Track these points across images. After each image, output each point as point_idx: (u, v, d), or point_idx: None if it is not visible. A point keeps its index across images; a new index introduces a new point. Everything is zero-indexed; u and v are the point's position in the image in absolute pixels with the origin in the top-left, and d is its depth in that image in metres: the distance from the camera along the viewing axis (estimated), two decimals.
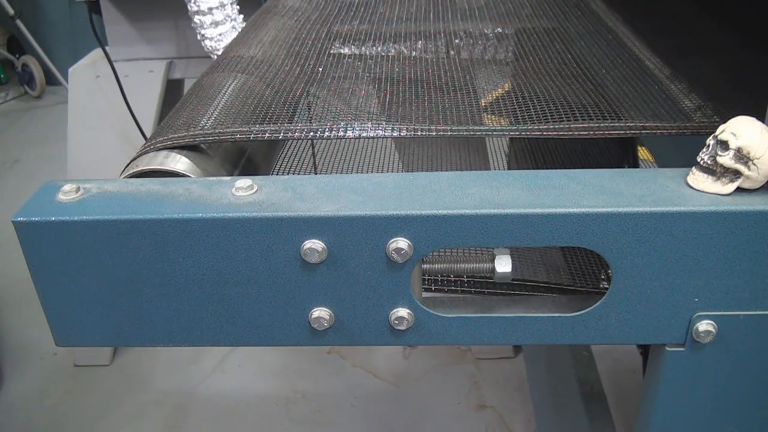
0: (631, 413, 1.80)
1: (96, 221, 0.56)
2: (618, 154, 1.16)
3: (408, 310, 0.59)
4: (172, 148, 0.68)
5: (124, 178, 0.65)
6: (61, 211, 0.57)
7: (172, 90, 2.20)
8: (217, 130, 0.69)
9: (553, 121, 0.71)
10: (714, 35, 1.00)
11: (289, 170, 0.95)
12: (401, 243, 0.56)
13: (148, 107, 2.12)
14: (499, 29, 1.08)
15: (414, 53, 1.00)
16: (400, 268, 0.57)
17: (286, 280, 0.58)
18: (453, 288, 0.78)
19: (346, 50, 1.00)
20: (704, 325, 0.58)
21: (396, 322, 0.60)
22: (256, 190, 0.59)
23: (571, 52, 0.95)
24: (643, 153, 1.23)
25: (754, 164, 0.54)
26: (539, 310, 0.62)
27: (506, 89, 0.87)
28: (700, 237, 0.55)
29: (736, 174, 0.55)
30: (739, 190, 0.55)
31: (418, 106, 0.79)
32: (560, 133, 0.68)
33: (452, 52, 1.01)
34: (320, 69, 0.90)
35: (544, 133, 0.68)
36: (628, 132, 0.69)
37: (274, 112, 0.76)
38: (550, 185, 0.58)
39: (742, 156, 0.54)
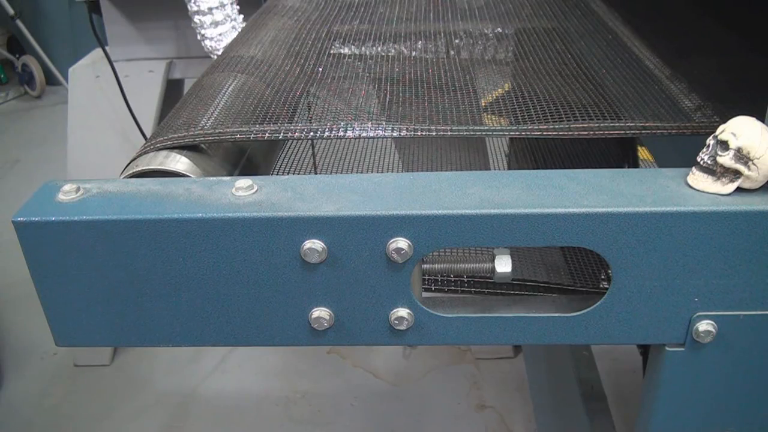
0: (631, 413, 1.80)
1: (96, 221, 0.56)
2: (618, 154, 1.16)
3: (408, 310, 0.59)
4: (172, 148, 0.68)
5: (124, 178, 0.65)
6: (61, 211, 0.57)
7: (172, 90, 2.20)
8: (217, 130, 0.69)
9: (553, 121, 0.71)
10: (714, 35, 1.00)
11: (289, 170, 0.95)
12: (401, 243, 0.56)
13: (148, 107, 2.12)
14: (499, 29, 1.08)
15: (414, 53, 1.00)
16: (400, 268, 0.57)
17: (286, 280, 0.58)
18: (453, 288, 0.78)
19: (346, 50, 1.00)
20: (704, 325, 0.58)
21: (396, 322, 0.60)
22: (256, 190, 0.59)
23: (571, 52, 0.95)
24: (643, 153, 1.22)
25: (754, 164, 0.54)
26: (539, 310, 0.62)
27: (506, 89, 0.87)
28: (700, 237, 0.55)
29: (736, 174, 0.55)
30: (739, 190, 0.55)
31: (418, 106, 0.79)
32: (560, 133, 0.68)
33: (452, 52, 1.01)
34: (320, 69, 0.90)
35: (544, 133, 0.68)
36: (628, 132, 0.69)
37: (274, 112, 0.76)
38: (550, 185, 0.58)
39: (742, 156, 0.54)
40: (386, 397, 2.18)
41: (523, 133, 0.69)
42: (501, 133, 0.71)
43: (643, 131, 0.69)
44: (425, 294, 0.66)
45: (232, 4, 1.59)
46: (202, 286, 0.59)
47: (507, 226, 0.55)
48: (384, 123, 0.72)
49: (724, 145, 0.55)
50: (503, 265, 0.64)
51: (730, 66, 0.92)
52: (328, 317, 0.60)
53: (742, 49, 0.94)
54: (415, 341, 0.61)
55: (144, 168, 0.65)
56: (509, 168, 1.29)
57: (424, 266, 0.65)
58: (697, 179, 0.57)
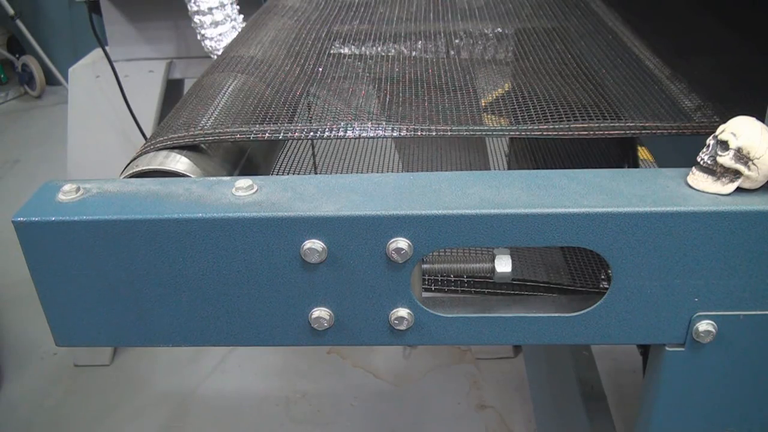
0: (631, 413, 1.80)
1: (96, 221, 0.56)
2: (618, 154, 1.16)
3: (408, 310, 0.59)
4: (172, 148, 0.68)
5: (124, 178, 0.65)
6: (61, 211, 0.57)
7: (172, 90, 2.20)
8: (217, 130, 0.69)
9: (553, 121, 0.71)
10: (714, 35, 1.00)
11: (289, 170, 0.95)
12: (401, 243, 0.56)
13: (148, 107, 2.12)
14: (499, 29, 1.08)
15: (414, 53, 1.00)
16: (400, 268, 0.57)
17: (286, 280, 0.58)
18: (453, 288, 0.78)
19: (346, 50, 1.00)
20: (704, 325, 0.58)
21: (396, 322, 0.60)
22: (256, 190, 0.59)
23: (571, 52, 0.95)
24: (643, 153, 1.22)
25: (754, 164, 0.54)
26: (539, 310, 0.62)
27: (506, 89, 0.87)
28: (700, 237, 0.55)
29: (736, 174, 0.55)
30: (739, 190, 0.55)
31: (418, 106, 0.79)
32: (560, 133, 0.68)
33: (452, 52, 1.01)
34: (320, 69, 0.90)
35: (544, 133, 0.68)
36: (628, 132, 0.69)
37: (274, 112, 0.76)
38: (550, 185, 0.58)
39: (742, 156, 0.54)
40: (386, 397, 2.18)
41: (523, 133, 0.69)
42: (501, 133, 0.71)
43: (643, 131, 0.69)
44: (425, 294, 0.66)
45: (232, 4, 1.59)
46: (202, 286, 0.59)
47: (507, 226, 0.55)
48: (384, 123, 0.72)
49: (724, 145, 0.55)
50: (503, 265, 0.64)
51: (730, 66, 0.92)
52: (328, 317, 0.60)
53: (742, 49, 0.94)
54: (415, 341, 0.61)
55: (144, 168, 0.65)
56: (509, 168, 1.29)
57: (424, 266, 0.65)
58: (697, 179, 0.57)
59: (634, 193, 0.56)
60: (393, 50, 1.01)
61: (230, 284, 0.59)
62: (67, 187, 0.59)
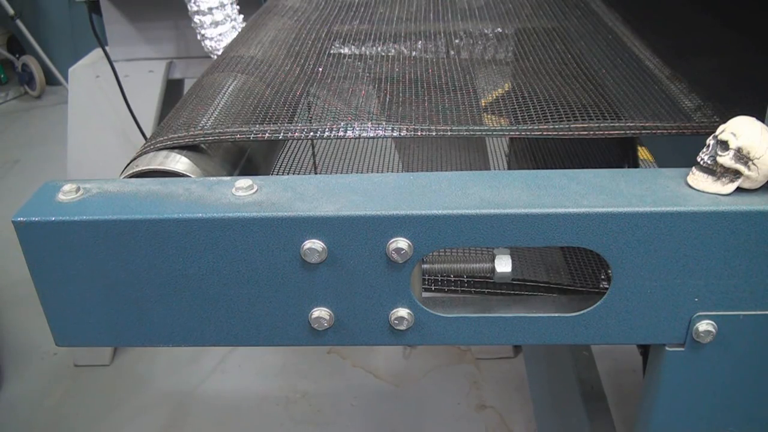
0: (631, 413, 1.80)
1: (96, 221, 0.56)
2: (618, 154, 1.16)
3: (408, 310, 0.59)
4: (172, 148, 0.68)
5: (124, 178, 0.65)
6: (61, 211, 0.57)
7: (172, 90, 2.20)
8: (217, 130, 0.69)
9: (553, 121, 0.71)
10: (714, 35, 1.00)
11: (289, 170, 0.95)
12: (401, 243, 0.56)
13: (148, 107, 2.12)
14: (499, 29, 1.08)
15: (414, 53, 1.00)
16: (400, 268, 0.57)
17: (286, 280, 0.58)
18: (453, 288, 0.78)
19: (346, 50, 1.00)
20: (704, 325, 0.58)
21: (396, 322, 0.60)
22: (256, 190, 0.59)
23: (571, 52, 0.95)
24: (643, 153, 1.22)
25: (754, 164, 0.54)
26: (539, 310, 0.62)
27: (506, 89, 0.87)
28: (700, 237, 0.55)
29: (736, 174, 0.55)
30: (739, 190, 0.55)
31: (418, 106, 0.79)
32: (560, 133, 0.68)
33: (452, 52, 1.01)
34: (320, 69, 0.90)
35: (544, 133, 0.68)
36: (628, 132, 0.69)
37: (274, 112, 0.76)
38: (550, 185, 0.58)
39: (742, 156, 0.54)
40: (386, 397, 2.18)
41: (523, 133, 0.69)
42: (501, 133, 0.71)
43: (643, 131, 0.69)
44: (425, 294, 0.66)
45: (232, 4, 1.59)
46: (202, 286, 0.59)
47: (507, 226, 0.55)
48: (384, 123, 0.72)
49: (724, 145, 0.55)
50: (503, 265, 0.64)
51: (730, 66, 0.92)
52: (328, 317, 0.60)
53: (742, 49, 0.94)
54: (415, 341, 0.61)
55: (144, 168, 0.65)
56: (509, 168, 1.29)
57: (424, 266, 0.65)
58: (697, 179, 0.57)
59: (634, 193, 0.56)
60: (393, 50, 1.01)
61: (230, 284, 0.59)
62: (67, 187, 0.59)
